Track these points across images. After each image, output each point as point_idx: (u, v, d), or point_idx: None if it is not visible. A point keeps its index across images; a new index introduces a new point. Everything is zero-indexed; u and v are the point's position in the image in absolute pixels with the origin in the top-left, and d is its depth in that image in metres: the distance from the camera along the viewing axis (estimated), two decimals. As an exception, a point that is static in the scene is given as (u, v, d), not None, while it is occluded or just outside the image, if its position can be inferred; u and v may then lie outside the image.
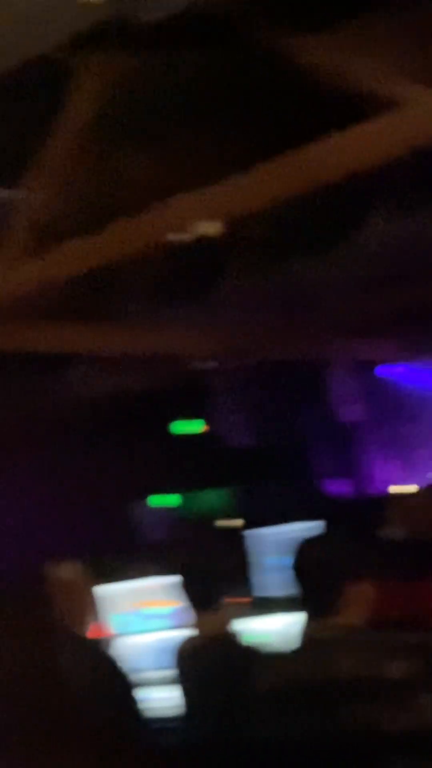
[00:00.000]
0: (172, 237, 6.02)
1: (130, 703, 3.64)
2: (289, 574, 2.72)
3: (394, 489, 11.49)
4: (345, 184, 6.11)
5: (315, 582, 2.61)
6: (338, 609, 2.58)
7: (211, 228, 6.11)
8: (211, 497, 10.22)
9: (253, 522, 6.53)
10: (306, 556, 2.66)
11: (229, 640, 3.34)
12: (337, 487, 11.58)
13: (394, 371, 12.70)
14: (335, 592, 2.59)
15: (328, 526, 3.80)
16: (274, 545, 3.25)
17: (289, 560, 2.73)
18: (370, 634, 2.58)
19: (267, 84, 5.15)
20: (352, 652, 2.50)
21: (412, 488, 11.15)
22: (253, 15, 4.42)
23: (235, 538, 5.40)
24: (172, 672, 3.97)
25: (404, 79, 4.97)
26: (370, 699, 2.42)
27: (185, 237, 6.14)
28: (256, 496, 9.39)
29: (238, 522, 8.46)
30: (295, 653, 2.62)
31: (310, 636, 2.60)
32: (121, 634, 7.60)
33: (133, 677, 3.96)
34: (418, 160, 6.64)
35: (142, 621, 7.71)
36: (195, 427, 9.86)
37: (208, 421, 9.78)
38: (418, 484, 11.85)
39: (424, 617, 2.53)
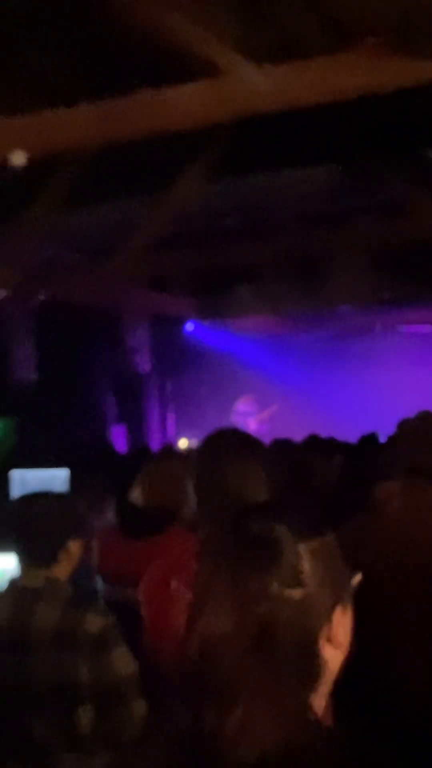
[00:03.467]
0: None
1: None
2: (13, 522, 2.71)
3: (177, 442, 11.72)
4: (159, 140, 6.11)
5: (34, 533, 2.63)
6: (54, 561, 2.61)
7: (18, 158, 5.95)
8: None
9: (21, 460, 6.46)
10: (28, 507, 2.68)
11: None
12: (117, 436, 11.65)
13: (186, 327, 12.88)
14: (52, 545, 2.62)
15: (74, 477, 3.80)
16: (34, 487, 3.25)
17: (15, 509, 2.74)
18: (77, 588, 2.64)
19: (97, 31, 5.03)
20: (56, 604, 2.55)
21: (184, 442, 11.42)
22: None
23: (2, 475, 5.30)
24: None
25: (227, 48, 4.99)
26: (68, 651, 2.48)
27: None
28: (26, 433, 9.30)
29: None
30: (3, 598, 2.64)
31: (20, 584, 2.63)
32: None
33: None
34: (233, 128, 6.74)
35: None
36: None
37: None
38: (198, 437, 12.14)
39: (134, 577, 2.58)
